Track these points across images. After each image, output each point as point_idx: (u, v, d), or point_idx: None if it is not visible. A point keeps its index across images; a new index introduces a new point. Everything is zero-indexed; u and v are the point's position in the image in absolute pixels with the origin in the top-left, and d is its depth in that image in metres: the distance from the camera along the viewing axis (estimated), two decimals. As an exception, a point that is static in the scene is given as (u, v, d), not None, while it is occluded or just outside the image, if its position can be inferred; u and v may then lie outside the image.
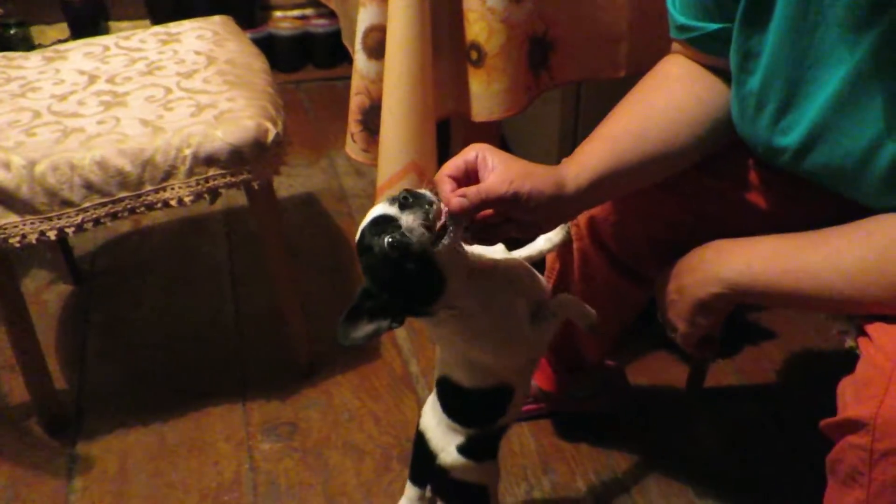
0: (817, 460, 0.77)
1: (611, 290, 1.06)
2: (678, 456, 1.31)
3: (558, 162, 0.82)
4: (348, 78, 1.19)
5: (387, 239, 0.70)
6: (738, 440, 1.35)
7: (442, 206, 0.72)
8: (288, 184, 2.03)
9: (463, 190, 0.73)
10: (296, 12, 2.56)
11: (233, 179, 1.16)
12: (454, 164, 0.76)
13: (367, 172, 2.06)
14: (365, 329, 0.76)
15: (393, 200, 0.72)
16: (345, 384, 1.45)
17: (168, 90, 1.24)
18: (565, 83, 1.23)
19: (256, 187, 1.19)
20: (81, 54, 1.36)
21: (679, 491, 1.24)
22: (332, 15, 2.57)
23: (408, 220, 0.70)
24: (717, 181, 0.92)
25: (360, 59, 1.15)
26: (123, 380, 1.48)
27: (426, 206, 0.71)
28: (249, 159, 1.16)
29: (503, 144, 1.70)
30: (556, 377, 1.28)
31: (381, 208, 0.73)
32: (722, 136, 0.87)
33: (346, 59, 2.56)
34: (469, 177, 0.76)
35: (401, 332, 1.57)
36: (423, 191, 0.73)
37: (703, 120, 0.85)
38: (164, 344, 1.55)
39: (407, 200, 0.71)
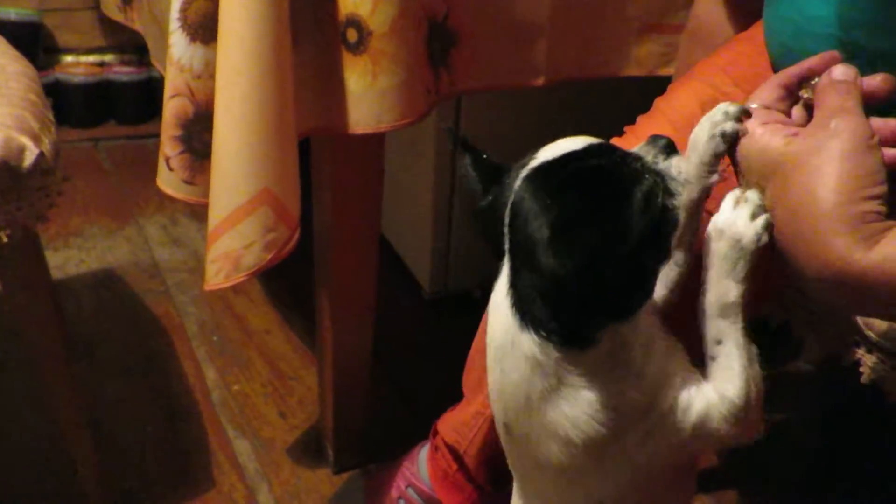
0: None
1: None
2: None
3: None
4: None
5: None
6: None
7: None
8: (79, 258, 1.57)
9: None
10: (92, 57, 2.12)
11: (-37, 227, 0.71)
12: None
13: (188, 241, 1.64)
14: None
15: (650, 144, 0.54)
16: (161, 535, 1.01)
17: None
18: (469, 89, 0.92)
19: (5, 240, 0.75)
20: None
21: None
22: (139, 62, 2.16)
23: (680, 166, 0.52)
24: None
25: (179, 44, 0.77)
26: None
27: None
28: (-7, 193, 0.72)
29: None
30: (479, 498, 0.91)
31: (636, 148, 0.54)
32: None
33: (158, 113, 2.14)
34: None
35: (243, 447, 1.14)
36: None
37: None
38: None
39: (672, 146, 0.53)
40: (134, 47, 2.12)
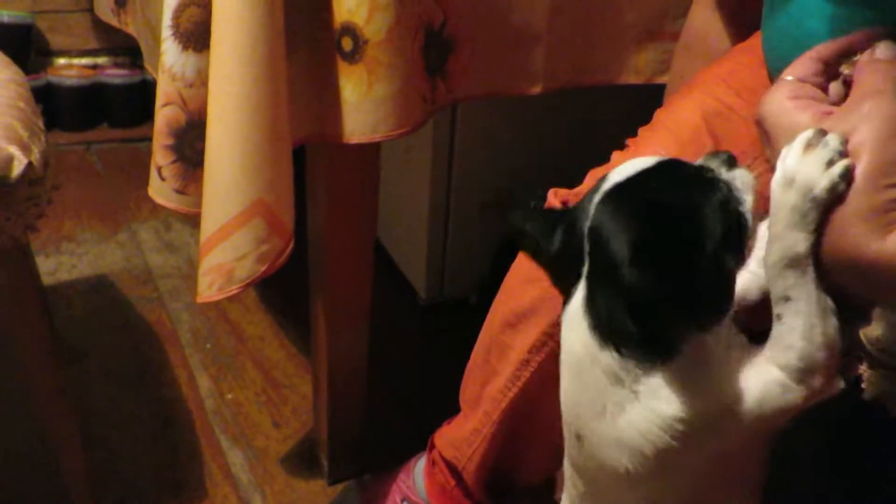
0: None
1: None
2: None
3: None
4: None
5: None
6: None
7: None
8: (71, 264, 1.55)
9: None
10: (84, 60, 2.10)
11: (-50, 238, 0.70)
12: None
13: (181, 247, 1.63)
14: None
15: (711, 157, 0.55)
16: (154, 548, 0.99)
17: None
18: (465, 98, 0.91)
19: (-5, 251, 0.73)
20: None
21: None
22: (132, 64, 2.14)
23: (745, 179, 0.53)
24: None
25: (171, 51, 0.76)
26: None
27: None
28: (-20, 204, 0.71)
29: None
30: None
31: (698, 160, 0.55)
32: None
33: (151, 116, 2.12)
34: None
35: (236, 458, 1.13)
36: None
37: None
38: None
39: (733, 158, 0.54)
40: (127, 49, 2.10)
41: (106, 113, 2.13)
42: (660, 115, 0.70)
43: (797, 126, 0.48)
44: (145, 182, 0.84)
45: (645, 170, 0.53)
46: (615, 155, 0.69)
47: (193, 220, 1.75)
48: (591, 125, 1.26)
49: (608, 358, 0.51)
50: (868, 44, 0.50)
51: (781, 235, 0.50)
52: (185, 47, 0.76)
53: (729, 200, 0.51)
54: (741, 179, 0.53)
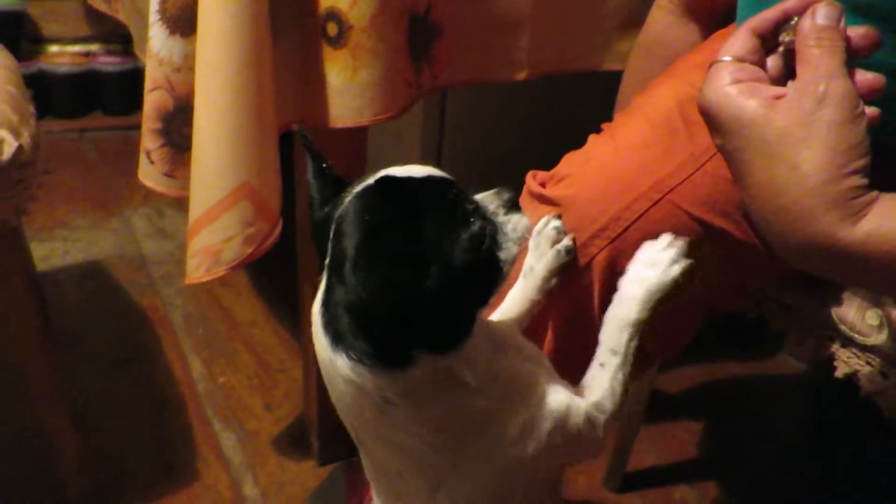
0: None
1: None
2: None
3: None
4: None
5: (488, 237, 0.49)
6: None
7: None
8: (64, 250, 1.56)
9: None
10: (77, 47, 2.10)
11: (-59, 220, 0.71)
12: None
13: (174, 233, 1.64)
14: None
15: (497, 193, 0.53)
16: (145, 527, 1.01)
17: None
18: (451, 84, 0.92)
19: (-14, 233, 0.74)
20: None
21: None
22: (124, 51, 2.14)
23: (518, 226, 0.51)
24: None
25: (158, 36, 0.77)
26: None
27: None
28: (-29, 187, 0.72)
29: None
30: None
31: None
32: None
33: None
34: None
35: (229, 440, 1.14)
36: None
37: None
38: None
39: (516, 203, 0.53)
40: (119, 36, 2.10)
41: (99, 100, 2.14)
42: (637, 100, 0.71)
43: (743, 113, 0.46)
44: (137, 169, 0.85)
45: (412, 178, 0.49)
46: (591, 138, 0.70)
47: (186, 208, 1.77)
48: (583, 108, 1.27)
49: (342, 362, 0.48)
50: (803, 7, 0.48)
51: (624, 302, 0.59)
52: (172, 32, 0.77)
53: (482, 239, 0.48)
54: (514, 225, 0.51)
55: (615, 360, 0.59)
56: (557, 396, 0.55)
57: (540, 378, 0.55)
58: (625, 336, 0.59)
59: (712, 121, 0.48)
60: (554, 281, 0.64)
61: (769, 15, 0.49)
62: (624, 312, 0.59)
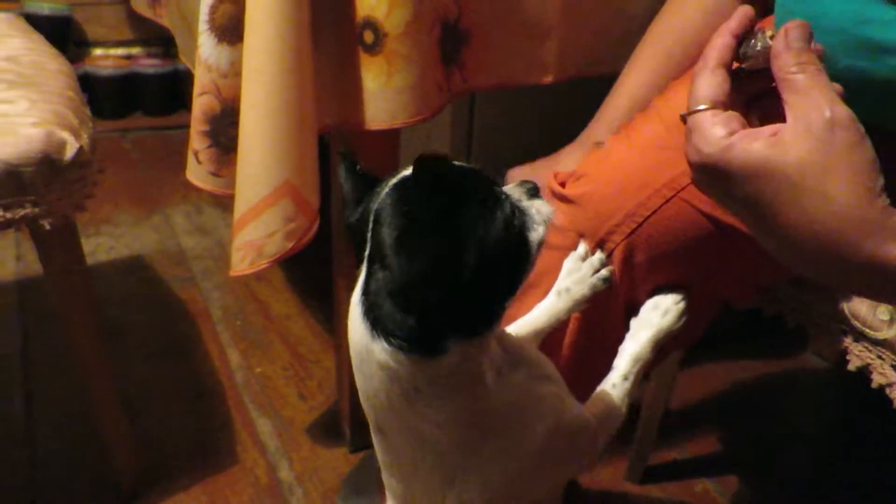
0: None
1: None
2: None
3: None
4: (186, 127, 0.85)
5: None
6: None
7: None
8: (109, 245, 1.63)
9: None
10: (119, 50, 2.18)
11: (8, 216, 0.77)
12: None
13: (212, 229, 1.70)
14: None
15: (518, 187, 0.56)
16: (187, 507, 1.07)
17: None
18: (480, 87, 0.96)
19: (48, 228, 0.80)
20: None
21: None
22: (165, 54, 2.22)
23: (543, 211, 0.54)
24: None
25: (207, 44, 0.82)
26: None
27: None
28: (35, 184, 0.78)
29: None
30: None
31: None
32: None
33: (183, 104, 2.20)
34: None
35: (265, 426, 1.19)
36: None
37: None
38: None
39: (537, 191, 0.55)
40: (160, 40, 2.18)
41: (140, 102, 2.22)
42: (656, 101, 0.73)
43: (753, 158, 0.45)
44: (178, 168, 0.90)
45: (448, 170, 0.51)
46: (609, 139, 0.73)
47: (223, 205, 1.83)
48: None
49: (380, 349, 0.49)
50: (749, 24, 0.47)
51: (636, 335, 0.68)
52: (220, 41, 0.82)
53: (513, 223, 0.51)
54: (538, 210, 0.54)
55: (626, 385, 0.67)
56: (572, 412, 0.60)
57: (553, 391, 0.60)
58: (637, 367, 0.68)
59: (718, 174, 0.47)
60: (585, 306, 0.69)
61: (722, 41, 0.49)
62: (635, 342, 0.69)
